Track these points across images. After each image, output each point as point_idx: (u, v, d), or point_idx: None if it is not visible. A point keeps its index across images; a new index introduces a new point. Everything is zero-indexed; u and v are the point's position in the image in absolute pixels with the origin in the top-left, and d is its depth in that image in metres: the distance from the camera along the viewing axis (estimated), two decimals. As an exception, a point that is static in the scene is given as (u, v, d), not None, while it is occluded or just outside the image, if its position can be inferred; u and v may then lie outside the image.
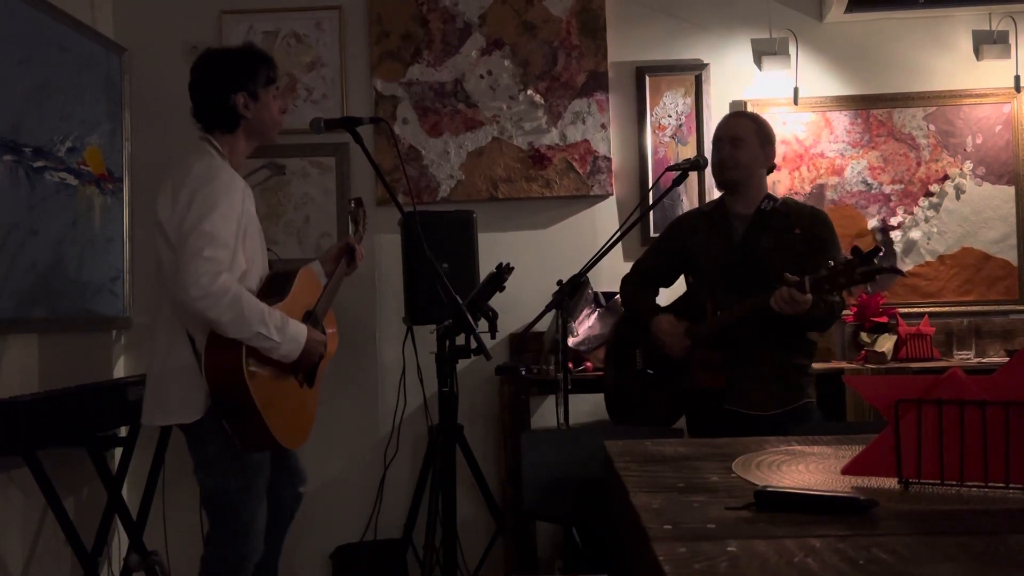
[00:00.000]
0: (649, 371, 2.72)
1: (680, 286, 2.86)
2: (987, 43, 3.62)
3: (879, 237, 3.64)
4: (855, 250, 2.23)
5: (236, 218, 2.25)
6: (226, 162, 2.36)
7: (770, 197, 2.67)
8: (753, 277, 2.53)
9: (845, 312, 3.16)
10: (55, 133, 3.09)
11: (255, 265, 2.38)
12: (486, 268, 2.91)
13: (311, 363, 2.43)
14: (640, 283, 2.85)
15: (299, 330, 2.30)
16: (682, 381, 2.62)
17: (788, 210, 2.66)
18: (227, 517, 2.35)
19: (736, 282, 2.56)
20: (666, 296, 2.88)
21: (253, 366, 2.23)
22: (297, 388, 2.44)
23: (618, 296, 3.45)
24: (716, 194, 3.62)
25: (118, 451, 3.27)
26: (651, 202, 3.43)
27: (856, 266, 2.21)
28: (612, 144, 3.70)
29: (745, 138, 2.63)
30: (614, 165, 3.71)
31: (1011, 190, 3.64)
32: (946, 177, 3.66)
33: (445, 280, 2.43)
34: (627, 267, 3.65)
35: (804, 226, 2.61)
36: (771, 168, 2.72)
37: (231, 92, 2.36)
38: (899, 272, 2.24)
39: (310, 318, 2.46)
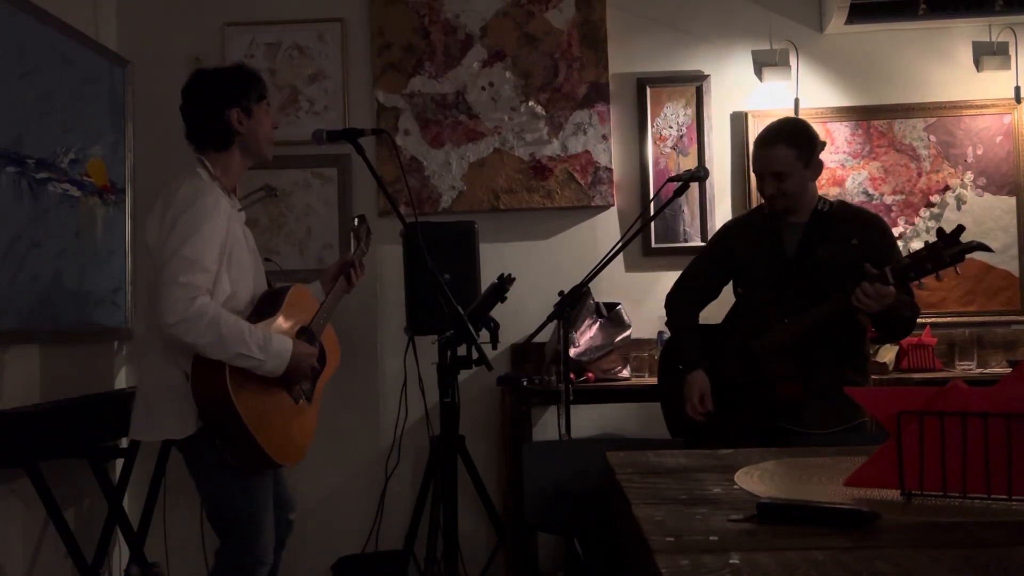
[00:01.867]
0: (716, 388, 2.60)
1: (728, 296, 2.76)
2: (987, 54, 3.63)
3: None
4: (939, 231, 2.16)
5: (219, 241, 2.25)
6: (215, 183, 2.35)
7: (823, 200, 2.57)
8: (806, 290, 2.46)
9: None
10: (58, 145, 3.10)
11: (243, 287, 2.36)
12: (487, 279, 2.91)
13: (303, 378, 2.41)
14: (686, 301, 2.72)
15: (283, 346, 2.28)
16: (756, 398, 2.53)
17: (844, 218, 2.54)
18: (234, 529, 2.34)
19: (788, 295, 2.49)
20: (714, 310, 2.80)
21: (239, 386, 2.21)
22: (292, 404, 2.41)
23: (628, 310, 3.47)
24: (717, 205, 3.66)
25: (119, 462, 3.27)
26: (652, 213, 3.43)
27: (942, 248, 2.14)
28: (613, 155, 3.71)
29: (787, 170, 2.49)
30: (615, 176, 3.71)
31: (1012, 201, 3.64)
32: (947, 188, 3.66)
33: (446, 291, 2.43)
34: (628, 278, 3.68)
35: (861, 236, 2.50)
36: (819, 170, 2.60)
37: (225, 108, 2.37)
38: (987, 247, 2.15)
39: (305, 335, 2.45)
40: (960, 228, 2.15)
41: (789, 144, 2.51)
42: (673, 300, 2.79)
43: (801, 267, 2.51)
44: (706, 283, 2.75)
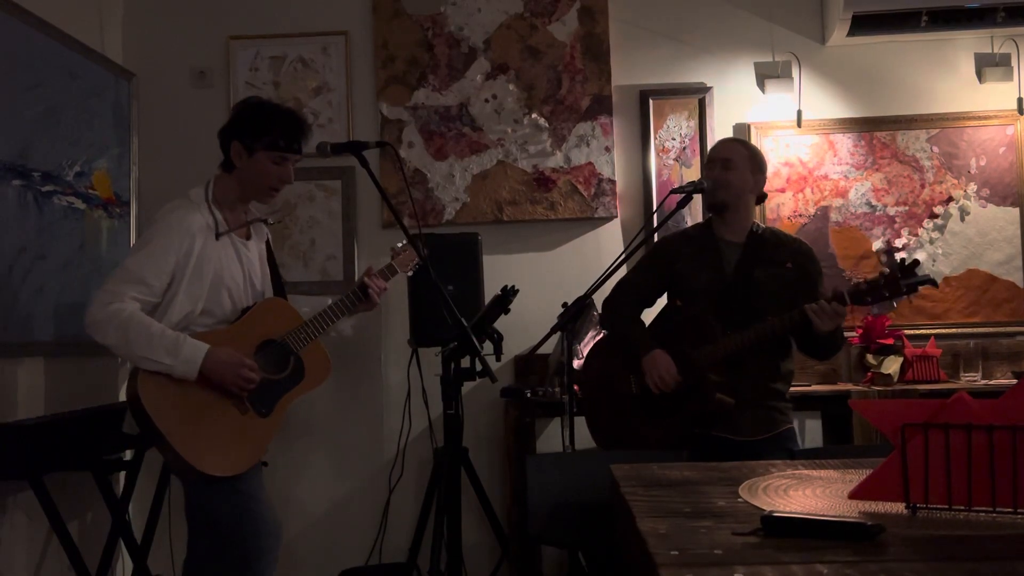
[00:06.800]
0: (646, 393, 2.65)
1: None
2: (989, 66, 3.65)
3: (883, 259, 3.64)
4: (900, 262, 2.40)
5: (171, 258, 2.31)
6: (202, 203, 2.40)
7: (757, 224, 2.70)
8: (745, 307, 2.56)
9: (851, 334, 3.15)
10: (63, 158, 3.11)
11: (214, 304, 2.38)
12: (491, 290, 2.92)
13: (229, 385, 2.32)
14: (625, 304, 2.79)
15: (195, 352, 2.27)
16: (693, 404, 2.57)
17: (779, 242, 2.68)
18: (207, 527, 2.37)
19: (728, 310, 2.56)
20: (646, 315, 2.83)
21: (157, 389, 2.27)
22: (236, 414, 2.36)
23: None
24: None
25: (123, 475, 3.27)
26: (655, 224, 3.43)
27: (899, 279, 2.37)
28: (616, 167, 3.71)
29: (736, 160, 2.65)
30: (618, 188, 3.72)
31: (1015, 212, 3.64)
32: (950, 199, 3.66)
33: (450, 302, 2.43)
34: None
35: (796, 261, 2.63)
36: (761, 198, 2.73)
37: (231, 137, 2.45)
38: (934, 282, 2.43)
39: (268, 346, 2.42)
40: (916, 262, 2.39)
41: (745, 146, 2.74)
42: (614, 302, 2.81)
43: (739, 285, 2.60)
44: (646, 292, 2.81)
